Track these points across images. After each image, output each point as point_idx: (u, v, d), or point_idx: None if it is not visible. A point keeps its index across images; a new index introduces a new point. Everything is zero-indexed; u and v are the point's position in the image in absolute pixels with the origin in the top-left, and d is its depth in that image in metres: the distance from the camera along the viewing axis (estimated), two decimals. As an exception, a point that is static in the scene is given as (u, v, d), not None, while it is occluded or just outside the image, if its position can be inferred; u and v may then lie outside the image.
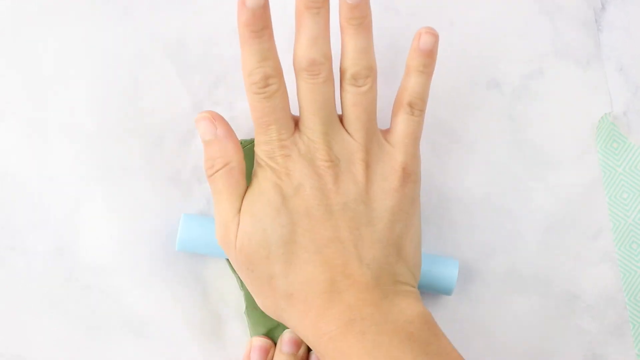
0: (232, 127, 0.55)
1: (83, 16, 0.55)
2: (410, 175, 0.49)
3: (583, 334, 0.55)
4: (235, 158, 0.49)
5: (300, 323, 0.48)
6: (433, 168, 0.55)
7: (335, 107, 0.50)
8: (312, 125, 0.49)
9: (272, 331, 0.53)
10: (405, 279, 0.48)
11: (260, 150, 0.49)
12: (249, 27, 0.47)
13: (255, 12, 0.47)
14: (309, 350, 0.53)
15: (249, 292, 0.53)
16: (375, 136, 0.50)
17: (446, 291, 0.53)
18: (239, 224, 0.48)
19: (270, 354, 0.52)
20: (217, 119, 0.49)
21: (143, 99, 0.55)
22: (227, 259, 0.54)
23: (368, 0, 0.49)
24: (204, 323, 0.54)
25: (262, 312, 0.53)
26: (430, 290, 0.53)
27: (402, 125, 0.50)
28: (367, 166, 0.49)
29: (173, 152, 0.54)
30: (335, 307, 0.46)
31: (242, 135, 0.55)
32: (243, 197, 0.49)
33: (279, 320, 0.50)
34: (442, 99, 0.56)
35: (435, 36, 0.50)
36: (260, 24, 0.48)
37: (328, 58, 0.49)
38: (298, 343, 0.52)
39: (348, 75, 0.49)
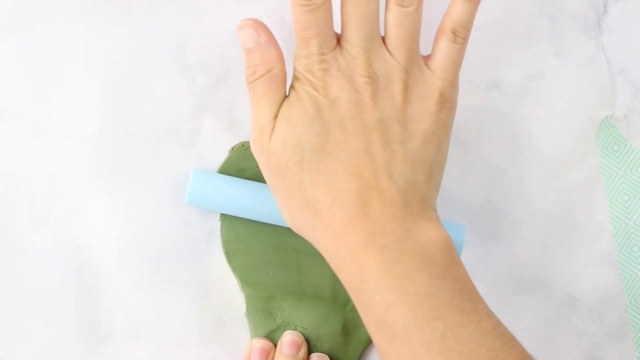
0: (233, 129, 0.55)
1: (84, 16, 0.55)
2: (447, 102, 0.49)
3: (583, 336, 0.55)
4: (278, 65, 0.49)
5: (323, 234, 0.47)
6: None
7: (378, 25, 0.49)
8: (353, 41, 0.48)
9: (272, 333, 0.53)
10: (432, 202, 0.48)
11: (299, 64, 0.49)
12: None
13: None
14: (309, 353, 0.53)
15: (250, 294, 0.53)
16: (417, 59, 0.49)
17: None
18: (274, 128, 0.48)
19: (270, 356, 0.52)
20: (260, 26, 0.49)
21: (144, 99, 0.55)
22: (227, 258, 0.54)
23: None
24: (205, 325, 0.54)
25: (263, 315, 0.53)
26: None
27: (443, 52, 0.50)
28: (406, 87, 0.48)
29: (174, 152, 0.54)
30: (359, 218, 0.46)
31: (244, 137, 0.55)
32: (281, 104, 0.49)
33: (301, 234, 0.49)
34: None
35: None
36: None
37: None
38: (298, 344, 0.52)
39: None
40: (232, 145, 0.55)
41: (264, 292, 0.54)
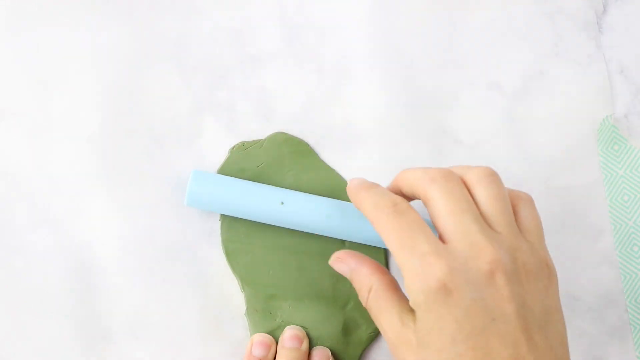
0: (233, 129, 0.55)
1: (84, 16, 0.55)
2: (553, 272, 0.46)
3: (583, 336, 0.55)
4: (375, 279, 0.46)
5: None
6: (434, 169, 0.55)
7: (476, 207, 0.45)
8: (465, 228, 0.44)
9: (272, 333, 0.53)
10: None
11: (415, 277, 0.43)
12: (361, 186, 0.47)
13: (363, 181, 0.48)
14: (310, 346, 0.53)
15: (250, 294, 0.54)
16: (517, 232, 0.45)
17: None
18: (412, 340, 0.44)
19: (272, 350, 0.52)
20: (346, 256, 0.48)
21: (144, 99, 0.55)
22: (227, 258, 0.54)
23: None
24: (205, 324, 0.54)
25: (263, 314, 0.53)
26: None
27: (530, 219, 0.46)
28: (524, 266, 0.44)
29: (174, 152, 0.54)
30: None
31: (244, 137, 0.55)
32: (400, 314, 0.44)
33: None
34: (443, 100, 0.56)
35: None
36: (369, 183, 0.48)
37: (450, 170, 0.46)
38: (300, 338, 0.52)
39: (476, 173, 0.46)
40: (232, 145, 0.55)
41: (264, 292, 0.54)
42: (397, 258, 0.44)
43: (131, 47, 0.55)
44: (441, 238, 0.44)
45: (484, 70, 0.56)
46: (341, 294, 0.54)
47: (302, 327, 0.54)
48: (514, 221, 0.45)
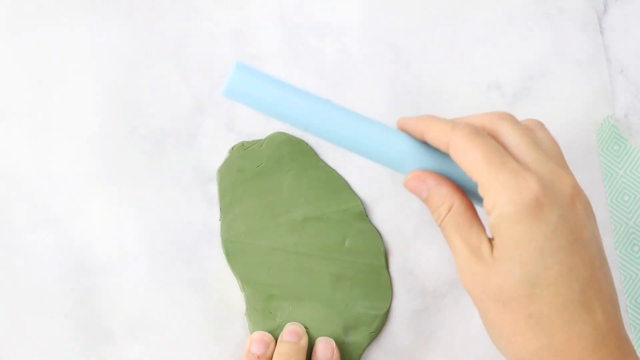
0: (233, 129, 0.55)
1: (84, 16, 0.55)
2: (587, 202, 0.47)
3: (584, 337, 0.55)
4: (456, 198, 0.46)
5: None
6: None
7: None
8: (543, 157, 0.45)
9: (272, 333, 0.53)
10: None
11: (504, 191, 0.43)
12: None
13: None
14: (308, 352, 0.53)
15: (249, 294, 0.54)
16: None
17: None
18: (492, 254, 0.44)
19: (270, 348, 0.52)
20: (423, 175, 0.47)
21: (144, 99, 0.55)
22: (227, 257, 0.54)
23: None
24: (205, 324, 0.54)
25: (263, 314, 0.53)
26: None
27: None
28: (587, 201, 0.46)
29: (175, 152, 0.54)
30: (596, 353, 0.43)
31: (244, 137, 0.55)
32: (478, 233, 0.46)
33: None
34: (443, 101, 0.56)
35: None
36: None
37: None
38: (299, 334, 0.52)
39: (531, 123, 0.48)
40: (232, 145, 0.55)
41: (264, 292, 0.54)
42: (482, 174, 0.44)
43: (131, 47, 0.55)
44: None
45: (484, 70, 0.56)
46: (341, 294, 0.54)
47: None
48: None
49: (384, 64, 0.55)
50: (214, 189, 0.55)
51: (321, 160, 0.55)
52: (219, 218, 0.54)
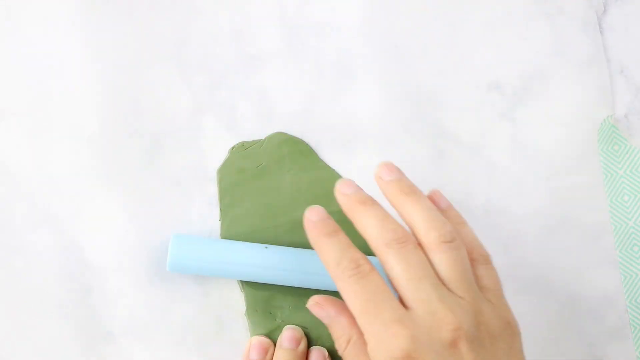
0: (233, 129, 0.55)
1: (84, 16, 0.55)
2: (515, 328, 0.46)
3: (584, 336, 0.55)
4: (355, 331, 0.46)
5: None
6: (434, 169, 0.55)
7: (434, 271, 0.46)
8: (423, 295, 0.44)
9: (272, 333, 0.53)
10: None
11: (381, 344, 0.44)
12: (321, 231, 0.47)
13: (323, 220, 0.47)
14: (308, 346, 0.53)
15: (249, 294, 0.53)
16: (479, 293, 0.46)
17: None
18: None
19: (269, 353, 0.52)
20: (324, 302, 0.48)
21: (144, 99, 0.55)
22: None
23: (402, 173, 0.49)
24: (205, 325, 0.54)
25: (263, 314, 0.53)
26: None
27: (488, 279, 0.47)
28: (487, 328, 0.45)
29: (174, 153, 0.54)
30: None
31: (244, 137, 0.55)
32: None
33: None
34: (443, 101, 0.56)
35: (440, 192, 0.50)
36: (331, 227, 0.47)
37: (405, 230, 0.47)
38: (297, 339, 0.52)
39: (434, 235, 0.46)
40: (232, 145, 0.55)
41: (264, 292, 0.54)
42: (360, 323, 0.44)
43: (131, 47, 0.55)
44: (402, 301, 0.45)
45: (484, 70, 0.56)
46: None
47: (302, 327, 0.54)
48: (474, 283, 0.46)
49: (383, 64, 0.55)
50: (214, 189, 0.55)
51: (321, 160, 0.55)
52: (219, 218, 0.54)
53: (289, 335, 0.52)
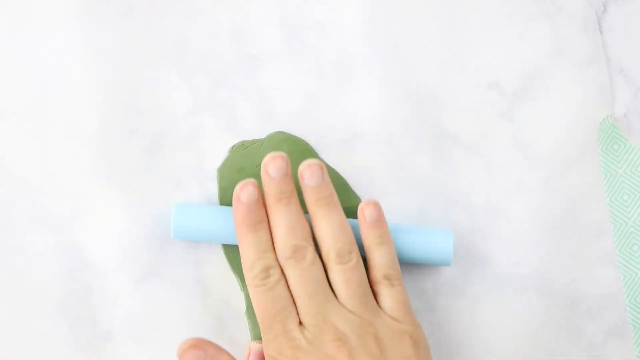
0: (233, 129, 0.55)
1: (84, 16, 0.55)
2: (419, 342, 0.49)
3: (583, 336, 0.55)
4: None
5: None
6: (433, 169, 0.55)
7: (328, 286, 0.49)
8: (312, 311, 0.48)
9: (272, 332, 0.53)
10: None
11: (269, 349, 0.49)
12: (245, 221, 0.50)
13: (250, 206, 0.49)
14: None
15: (249, 294, 0.53)
16: (375, 309, 0.49)
17: (445, 262, 0.53)
18: None
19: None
20: (200, 343, 0.49)
21: (144, 99, 0.55)
22: (227, 257, 0.54)
23: (328, 180, 0.50)
24: (205, 324, 0.54)
25: (262, 313, 0.54)
26: (430, 263, 0.53)
27: (389, 299, 0.50)
28: (377, 339, 0.48)
29: (174, 152, 0.54)
30: None
31: (243, 136, 0.55)
32: None
33: None
34: (443, 101, 0.56)
35: (376, 204, 0.51)
36: (256, 218, 0.50)
37: (309, 241, 0.50)
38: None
39: (332, 255, 0.49)
40: (232, 145, 0.55)
41: (264, 292, 0.54)
42: (261, 330, 0.49)
43: (131, 47, 0.55)
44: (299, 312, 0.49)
45: (483, 70, 0.56)
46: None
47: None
48: (370, 300, 0.49)
49: (384, 64, 0.55)
50: (214, 189, 0.55)
51: (321, 159, 0.55)
52: (218, 218, 0.54)
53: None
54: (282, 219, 0.49)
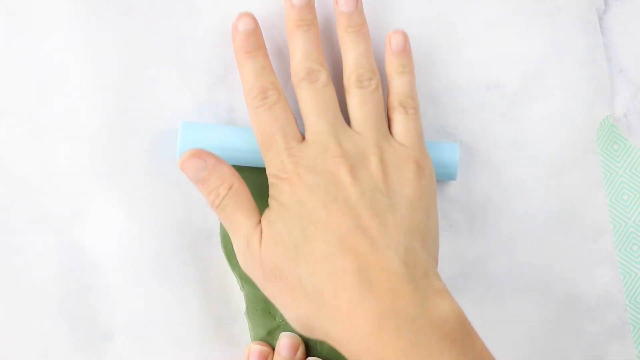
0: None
1: (84, 16, 0.55)
2: (424, 169, 0.49)
3: (583, 336, 0.55)
4: (236, 179, 0.50)
5: (332, 325, 0.45)
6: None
7: (339, 109, 0.50)
8: (317, 129, 0.49)
9: (272, 332, 0.53)
10: (433, 270, 0.47)
11: (270, 168, 0.49)
12: (243, 48, 0.51)
13: (248, 34, 0.51)
14: (308, 354, 0.53)
15: (249, 293, 0.53)
16: (386, 134, 0.50)
17: (451, 176, 0.54)
18: (261, 234, 0.48)
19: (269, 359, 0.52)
20: (202, 153, 0.50)
21: (144, 99, 0.54)
22: (227, 257, 0.54)
23: (362, 9, 0.52)
24: (205, 324, 0.54)
25: (263, 314, 0.53)
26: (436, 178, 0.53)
27: (401, 125, 0.51)
28: (381, 160, 0.49)
29: (173, 152, 0.54)
30: (366, 299, 0.44)
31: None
32: (256, 211, 0.49)
33: (311, 336, 0.48)
34: (443, 100, 0.56)
35: (403, 34, 0.52)
36: (253, 44, 0.51)
37: (324, 66, 0.51)
38: (295, 347, 0.52)
39: (353, 78, 0.51)
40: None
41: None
42: (260, 150, 0.50)
43: (131, 47, 0.55)
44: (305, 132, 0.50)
45: (483, 70, 0.56)
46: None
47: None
48: (382, 125, 0.50)
49: (384, 63, 0.55)
50: (213, 189, 0.55)
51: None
52: (218, 217, 0.54)
53: (286, 343, 0.52)
54: (300, 43, 0.51)
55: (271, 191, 0.49)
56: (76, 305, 0.53)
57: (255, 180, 0.54)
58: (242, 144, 0.52)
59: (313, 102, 0.50)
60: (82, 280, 0.53)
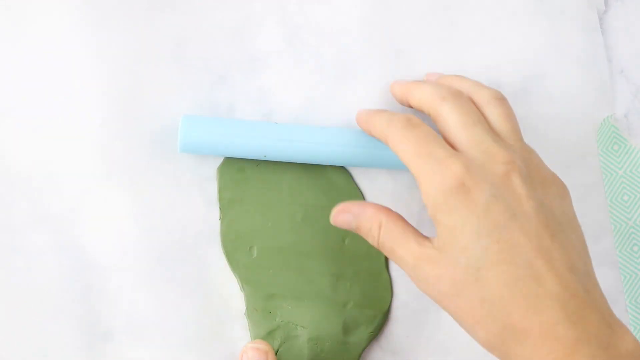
0: (233, 128, 0.55)
1: (84, 16, 0.55)
2: (565, 187, 0.48)
3: (583, 336, 0.55)
4: (382, 215, 0.47)
5: (520, 348, 0.43)
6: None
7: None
8: (479, 137, 0.46)
9: (272, 332, 0.53)
10: (603, 296, 0.44)
11: (434, 191, 0.45)
12: (370, 112, 0.51)
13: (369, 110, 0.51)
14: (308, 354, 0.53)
15: (249, 294, 0.53)
16: (528, 146, 0.48)
17: None
18: (429, 257, 0.45)
19: (269, 358, 0.52)
20: (345, 206, 0.49)
21: (144, 99, 0.54)
22: (227, 257, 0.54)
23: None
24: (205, 324, 0.54)
25: (263, 314, 0.53)
26: None
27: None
28: (538, 170, 0.47)
29: (175, 152, 0.54)
30: (560, 323, 0.42)
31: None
32: (414, 236, 0.46)
33: (492, 352, 0.45)
34: (443, 100, 0.56)
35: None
36: (377, 110, 0.51)
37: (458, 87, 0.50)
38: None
39: (486, 96, 0.49)
40: (232, 145, 0.55)
41: (264, 291, 0.54)
42: (413, 166, 0.45)
43: (131, 46, 0.55)
44: (454, 148, 0.46)
45: (483, 70, 0.56)
46: (341, 293, 0.54)
47: (301, 326, 0.54)
48: (523, 139, 0.48)
49: (384, 63, 0.55)
50: (213, 188, 0.55)
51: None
52: (218, 217, 0.54)
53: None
54: (426, 84, 0.50)
55: (439, 215, 0.45)
56: (76, 305, 0.53)
57: (259, 175, 0.54)
58: (242, 135, 0.52)
59: (462, 114, 0.47)
60: (82, 280, 0.53)
